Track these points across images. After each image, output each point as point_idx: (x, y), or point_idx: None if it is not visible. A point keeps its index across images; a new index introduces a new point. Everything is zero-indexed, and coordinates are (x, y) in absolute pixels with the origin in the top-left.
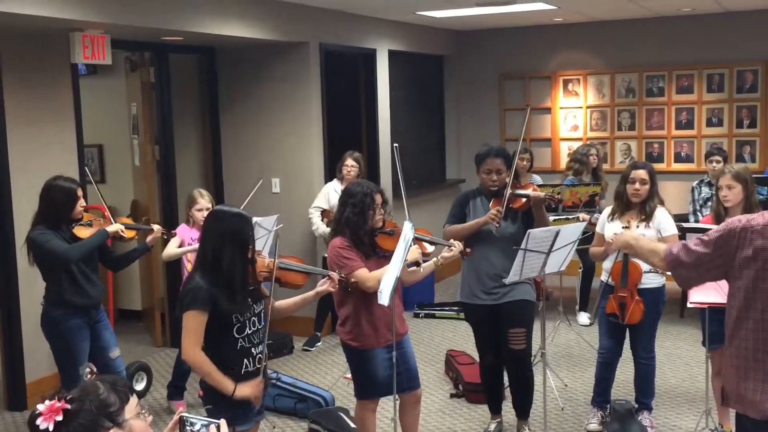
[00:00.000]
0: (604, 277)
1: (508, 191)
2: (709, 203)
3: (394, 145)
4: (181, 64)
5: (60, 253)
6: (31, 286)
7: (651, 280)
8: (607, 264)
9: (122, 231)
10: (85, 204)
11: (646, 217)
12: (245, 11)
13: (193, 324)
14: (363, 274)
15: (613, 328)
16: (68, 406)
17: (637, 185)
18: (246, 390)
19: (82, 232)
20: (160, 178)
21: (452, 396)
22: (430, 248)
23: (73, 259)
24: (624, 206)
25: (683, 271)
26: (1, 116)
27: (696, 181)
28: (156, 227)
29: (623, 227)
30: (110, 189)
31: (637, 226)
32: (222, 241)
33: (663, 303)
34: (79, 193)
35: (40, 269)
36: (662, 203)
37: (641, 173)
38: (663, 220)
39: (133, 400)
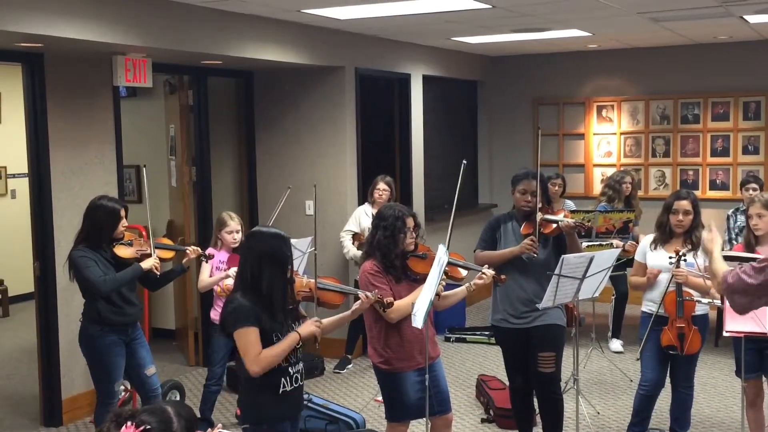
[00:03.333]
0: (647, 308)
1: (539, 216)
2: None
3: (463, 161)
4: (219, 87)
5: (95, 284)
6: (69, 304)
7: (699, 307)
8: (652, 294)
9: (156, 267)
10: (126, 224)
11: (693, 246)
12: (283, 36)
13: (248, 340)
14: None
15: (661, 361)
16: None
17: (680, 216)
18: (308, 327)
19: (123, 251)
20: (196, 199)
21: (483, 421)
22: (463, 273)
23: (106, 293)
24: (667, 236)
25: (737, 297)
26: (44, 136)
27: (731, 210)
28: (192, 249)
29: (670, 257)
30: (148, 209)
31: (684, 257)
32: (261, 262)
33: (708, 330)
34: (123, 213)
35: (80, 287)
36: None
37: (685, 204)
38: None
39: None
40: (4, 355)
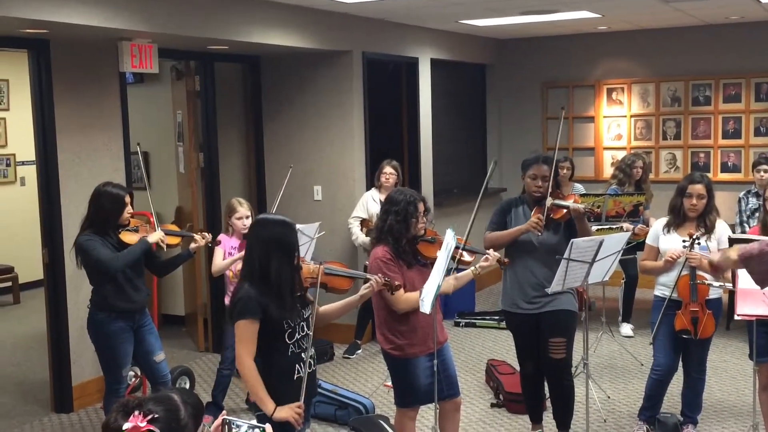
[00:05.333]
0: (659, 292)
1: (549, 201)
2: (757, 214)
3: (494, 160)
4: (226, 72)
5: (106, 262)
6: (78, 290)
7: (713, 291)
8: (664, 278)
9: (162, 241)
10: (132, 210)
11: (707, 230)
12: (289, 20)
13: (246, 333)
14: (397, 295)
15: (674, 346)
16: (154, 429)
17: (694, 200)
18: (285, 412)
19: (128, 237)
20: (204, 185)
21: (493, 406)
22: (469, 257)
23: (118, 268)
24: (680, 219)
25: (754, 265)
26: (51, 123)
27: (743, 192)
28: (200, 236)
29: (683, 240)
30: (155, 195)
31: (698, 241)
32: (268, 250)
33: (721, 314)
34: (127, 199)
35: (87, 273)
36: (718, 214)
37: (699, 188)
38: (724, 233)
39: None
40: (15, 342)
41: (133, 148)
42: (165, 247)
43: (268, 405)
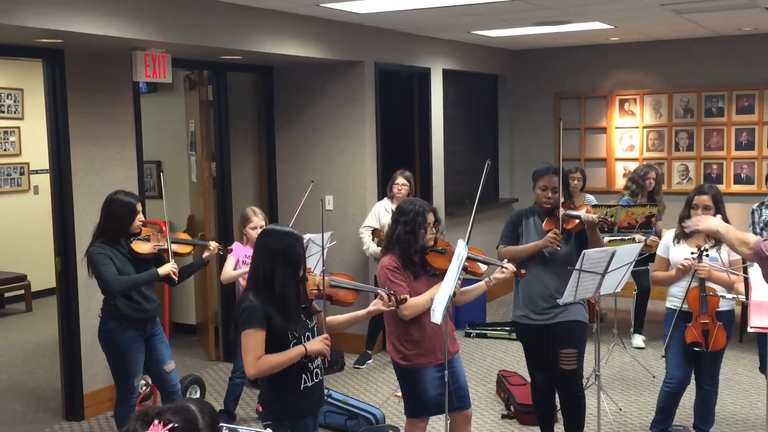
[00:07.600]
0: (671, 304)
1: (561, 211)
2: None
3: (488, 161)
4: (238, 82)
5: (109, 283)
6: (90, 299)
7: (724, 303)
8: (675, 290)
9: (174, 273)
10: (143, 218)
11: (716, 241)
12: (302, 31)
13: (252, 342)
14: (403, 306)
15: (687, 358)
16: None
17: (699, 211)
18: (316, 345)
19: (140, 246)
20: (216, 195)
21: (504, 417)
22: (483, 268)
23: (116, 292)
24: (689, 230)
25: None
26: (65, 132)
27: (756, 204)
28: (213, 244)
29: (691, 252)
30: (167, 204)
31: (706, 252)
32: (273, 261)
33: (734, 326)
34: (138, 207)
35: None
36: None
37: (704, 199)
38: None
39: None
40: (27, 350)
41: (147, 157)
42: (177, 279)
43: (298, 350)
